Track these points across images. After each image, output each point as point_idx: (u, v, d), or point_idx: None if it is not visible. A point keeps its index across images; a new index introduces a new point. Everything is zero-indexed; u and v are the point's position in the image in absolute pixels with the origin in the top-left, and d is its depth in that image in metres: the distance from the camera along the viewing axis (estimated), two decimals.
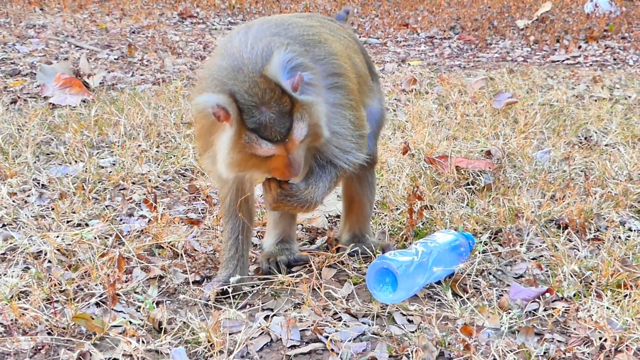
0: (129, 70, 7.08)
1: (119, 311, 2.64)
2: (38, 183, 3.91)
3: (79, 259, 3.03)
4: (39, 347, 2.40)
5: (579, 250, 3.17)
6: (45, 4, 11.04)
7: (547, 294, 2.74)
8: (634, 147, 4.65)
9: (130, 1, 11.66)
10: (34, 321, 2.52)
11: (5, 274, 2.86)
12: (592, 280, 2.87)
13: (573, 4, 11.67)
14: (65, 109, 5.35)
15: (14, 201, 3.64)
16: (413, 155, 4.28)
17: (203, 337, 2.44)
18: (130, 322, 2.53)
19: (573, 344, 2.47)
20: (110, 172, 4.10)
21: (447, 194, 3.82)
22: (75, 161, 4.24)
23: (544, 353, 2.40)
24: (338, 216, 3.53)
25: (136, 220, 3.46)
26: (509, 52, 8.81)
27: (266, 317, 2.63)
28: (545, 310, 2.68)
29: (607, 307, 2.65)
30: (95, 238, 3.19)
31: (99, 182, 3.94)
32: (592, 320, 2.55)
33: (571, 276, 2.90)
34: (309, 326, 2.56)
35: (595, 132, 5.00)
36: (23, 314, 2.53)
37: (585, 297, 2.77)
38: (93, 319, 2.49)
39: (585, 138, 4.92)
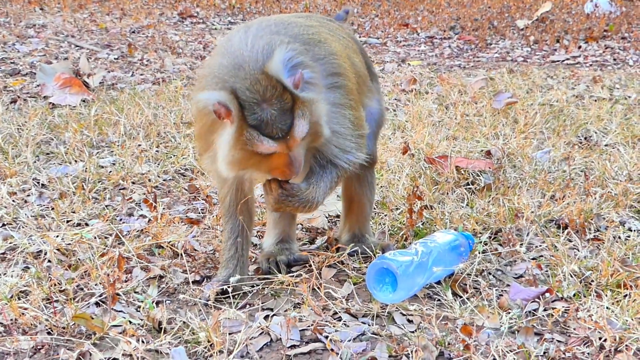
0: (129, 70, 7.08)
1: (119, 311, 2.64)
2: (38, 183, 3.91)
3: (79, 259, 3.03)
4: (38, 347, 2.40)
5: (578, 250, 3.17)
6: (45, 4, 11.04)
7: (547, 294, 2.74)
8: (634, 147, 4.65)
9: (130, 1, 11.66)
10: (34, 321, 2.52)
11: (5, 274, 2.86)
12: (592, 280, 2.87)
13: (573, 4, 11.67)
14: (65, 108, 5.35)
15: (13, 201, 3.64)
16: (413, 155, 4.28)
17: (203, 337, 2.44)
18: (130, 322, 2.52)
19: (573, 344, 2.47)
20: (110, 171, 4.10)
21: (447, 194, 3.82)
22: (75, 161, 4.24)
23: (544, 353, 2.40)
24: (338, 216, 3.53)
25: (136, 220, 3.46)
26: (509, 52, 8.81)
27: (266, 317, 2.63)
28: (545, 310, 2.68)
29: (607, 307, 2.65)
30: (95, 238, 3.19)
31: (99, 182, 3.94)
32: (592, 320, 2.55)
33: (571, 276, 2.90)
34: (308, 326, 2.56)
35: (595, 132, 5.00)
36: (23, 314, 2.53)
37: (585, 297, 2.77)
38: (93, 318, 2.49)
39: (585, 138, 4.92)
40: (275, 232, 3.14)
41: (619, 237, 3.30)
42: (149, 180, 4.01)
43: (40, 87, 5.86)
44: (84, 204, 3.59)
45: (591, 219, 3.47)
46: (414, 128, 4.96)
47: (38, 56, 7.37)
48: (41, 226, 3.33)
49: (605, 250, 3.13)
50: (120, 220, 3.48)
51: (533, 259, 3.15)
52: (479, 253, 3.05)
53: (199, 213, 3.64)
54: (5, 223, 3.41)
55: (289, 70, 2.42)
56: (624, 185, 3.82)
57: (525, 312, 2.68)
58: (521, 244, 3.21)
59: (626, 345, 2.42)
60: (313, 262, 2.93)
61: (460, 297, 2.79)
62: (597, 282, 2.86)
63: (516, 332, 2.55)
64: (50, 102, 5.50)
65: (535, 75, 7.01)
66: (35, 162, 4.19)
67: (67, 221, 3.40)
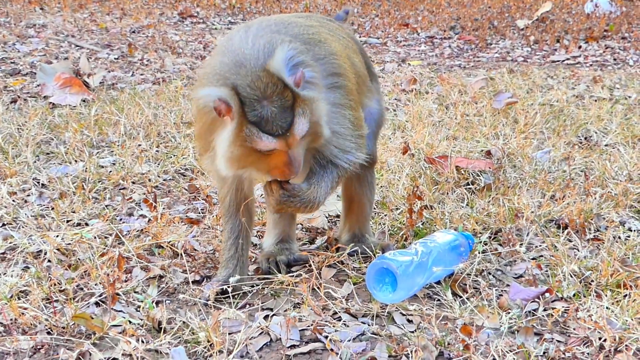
0: (129, 69, 7.08)
1: (119, 311, 2.64)
2: (38, 182, 3.91)
3: (79, 259, 3.03)
4: (38, 347, 2.40)
5: (578, 250, 3.17)
6: (46, 4, 11.04)
7: (547, 294, 2.74)
8: (634, 147, 4.65)
9: (131, 1, 11.66)
10: (34, 320, 2.52)
11: (5, 274, 2.86)
12: (592, 280, 2.87)
13: (573, 4, 11.67)
14: (65, 108, 5.35)
15: (13, 200, 3.64)
16: (413, 155, 4.28)
17: (203, 337, 2.44)
18: (130, 322, 2.52)
19: (572, 344, 2.47)
20: (110, 171, 4.10)
21: (447, 193, 3.82)
22: (75, 161, 4.24)
23: (544, 353, 2.40)
24: (338, 216, 3.53)
25: (136, 220, 3.46)
26: (509, 52, 8.81)
27: (266, 317, 2.63)
28: (544, 310, 2.68)
29: (607, 307, 2.65)
30: (95, 237, 3.19)
31: (99, 182, 3.94)
32: (591, 320, 2.55)
33: (571, 276, 2.90)
34: (308, 326, 2.56)
35: (595, 132, 5.00)
36: (23, 314, 2.53)
37: (584, 297, 2.77)
38: (93, 318, 2.49)
39: (585, 138, 4.92)
40: (275, 232, 3.14)
41: (619, 237, 3.30)
42: (149, 180, 4.01)
43: (40, 87, 5.86)
44: (84, 203, 3.60)
45: (591, 219, 3.47)
46: (414, 128, 4.96)
47: (38, 56, 7.37)
48: (41, 226, 3.33)
49: (605, 250, 3.13)
50: (120, 220, 3.48)
51: (533, 259, 3.15)
52: (479, 253, 3.05)
53: (199, 213, 3.64)
54: (5, 223, 3.41)
55: (290, 69, 2.42)
56: (624, 185, 3.82)
57: (525, 312, 2.68)
58: (521, 244, 3.21)
59: (626, 345, 2.42)
60: (313, 262, 2.93)
61: (460, 297, 2.79)
62: (597, 282, 2.86)
63: (516, 332, 2.55)
64: (51, 102, 5.51)
65: (536, 75, 7.01)
66: (35, 162, 4.19)
67: (67, 221, 3.40)
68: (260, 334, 2.52)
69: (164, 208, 3.59)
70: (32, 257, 3.03)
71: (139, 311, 2.66)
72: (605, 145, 4.75)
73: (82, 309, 2.62)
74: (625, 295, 2.73)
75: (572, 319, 2.61)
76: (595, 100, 5.99)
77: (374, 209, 3.50)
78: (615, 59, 8.33)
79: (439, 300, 2.78)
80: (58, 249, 3.08)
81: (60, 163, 4.21)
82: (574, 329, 2.57)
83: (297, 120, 2.42)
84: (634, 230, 3.39)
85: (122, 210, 3.57)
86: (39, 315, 2.53)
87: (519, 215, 3.45)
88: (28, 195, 3.73)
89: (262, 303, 2.74)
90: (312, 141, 2.56)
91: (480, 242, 3.23)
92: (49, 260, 2.99)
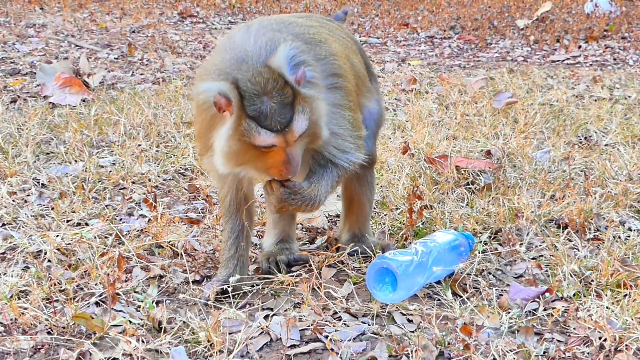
0: (128, 69, 7.08)
1: (119, 310, 2.64)
2: (38, 182, 3.91)
3: (79, 259, 3.03)
4: (38, 347, 2.40)
5: (578, 250, 3.17)
6: (45, 3, 11.04)
7: (547, 294, 2.74)
8: (633, 147, 4.65)
9: (130, 0, 11.66)
10: (34, 320, 2.52)
11: (5, 274, 2.86)
12: (592, 280, 2.87)
13: (573, 3, 11.67)
14: (65, 108, 5.35)
15: (13, 200, 3.64)
16: (413, 155, 4.28)
17: (203, 337, 2.44)
18: (130, 322, 2.52)
19: (573, 343, 2.47)
20: (110, 171, 4.10)
21: (447, 193, 3.82)
22: (75, 160, 4.24)
23: (544, 353, 2.40)
24: (338, 216, 3.53)
25: (136, 220, 3.46)
26: (509, 52, 8.81)
27: (266, 317, 2.63)
28: (545, 310, 2.68)
29: (607, 307, 2.65)
30: (95, 237, 3.19)
31: (99, 182, 3.94)
32: (591, 319, 2.55)
33: (571, 276, 2.90)
34: (308, 326, 2.56)
35: (595, 132, 5.00)
36: (23, 314, 2.53)
37: (585, 296, 2.77)
38: (93, 318, 2.49)
39: (585, 138, 4.92)
40: (275, 231, 3.14)
41: (619, 237, 3.30)
42: (149, 180, 4.01)
43: (40, 87, 5.86)
44: (84, 203, 3.59)
45: (591, 219, 3.47)
46: (414, 128, 4.96)
47: (38, 56, 7.37)
48: (41, 226, 3.33)
49: (605, 250, 3.13)
50: (120, 220, 3.48)
51: (533, 258, 3.15)
52: (479, 253, 3.05)
53: (199, 213, 3.64)
54: (5, 223, 3.41)
55: (291, 68, 2.42)
56: (623, 185, 3.82)
57: (525, 311, 2.68)
58: (521, 244, 3.21)
59: (626, 345, 2.42)
60: (313, 261, 2.93)
61: (460, 296, 2.79)
62: (597, 281, 2.86)
63: (516, 331, 2.55)
64: (50, 102, 5.51)
65: (535, 75, 7.01)
66: (35, 161, 4.19)
67: (67, 221, 3.40)
68: (260, 333, 2.52)
69: (164, 208, 3.59)
70: (32, 257, 3.03)
71: (139, 311, 2.66)
72: (605, 145, 4.75)
73: (82, 309, 2.62)
74: (625, 295, 2.73)
75: (572, 318, 2.61)
76: (595, 100, 6.00)
77: (374, 208, 3.50)
78: (615, 59, 8.33)
79: (439, 300, 2.79)
80: (58, 249, 3.08)
81: (60, 163, 4.21)
82: (574, 328, 2.57)
83: (296, 117, 2.42)
84: (634, 230, 3.39)
85: (122, 210, 3.57)
86: (39, 315, 2.53)
87: (519, 215, 3.45)
88: (28, 195, 3.73)
89: (262, 303, 2.74)
90: (310, 142, 2.56)
91: (480, 241, 3.23)
92: (49, 260, 2.99)
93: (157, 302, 2.72)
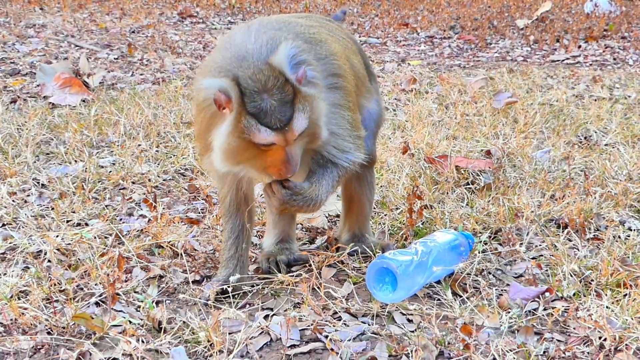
0: (128, 69, 7.08)
1: (119, 311, 2.64)
2: (38, 183, 3.91)
3: (79, 259, 3.03)
4: (38, 347, 2.40)
5: (578, 250, 3.17)
6: (45, 4, 11.04)
7: (547, 294, 2.74)
8: (633, 146, 4.65)
9: (130, 1, 11.66)
10: (34, 321, 2.52)
11: (5, 274, 2.86)
12: (592, 280, 2.87)
13: (573, 3, 11.67)
14: (65, 108, 5.35)
15: (13, 201, 3.64)
16: (413, 155, 4.28)
17: (203, 337, 2.44)
18: (130, 322, 2.52)
19: (573, 343, 2.47)
20: (110, 171, 4.10)
21: (447, 193, 3.82)
22: (75, 161, 4.24)
23: (544, 352, 2.40)
24: (338, 216, 3.53)
25: (136, 220, 3.46)
26: (509, 52, 8.81)
27: (266, 317, 2.63)
28: (544, 309, 2.68)
29: (607, 307, 2.65)
30: (95, 237, 3.19)
31: (99, 182, 3.94)
32: (591, 319, 2.55)
33: (571, 275, 2.90)
34: (308, 326, 2.56)
35: (595, 132, 5.00)
36: (23, 314, 2.53)
37: (584, 296, 2.77)
38: (93, 318, 2.49)
39: (585, 138, 4.92)
40: (275, 231, 3.14)
41: (619, 237, 3.30)
42: (149, 180, 4.01)
43: (40, 87, 5.86)
44: (84, 204, 3.60)
45: (591, 219, 3.47)
46: (413, 128, 4.96)
47: (38, 56, 7.37)
48: (41, 226, 3.33)
49: (605, 250, 3.13)
50: (120, 220, 3.48)
51: (533, 258, 3.15)
52: (479, 252, 3.05)
53: (199, 213, 3.64)
54: (5, 223, 3.41)
55: (292, 67, 2.42)
56: (623, 184, 3.82)
57: (525, 311, 2.68)
58: (521, 244, 3.21)
59: (626, 345, 2.42)
60: (313, 261, 2.93)
61: (460, 296, 2.79)
62: (597, 281, 2.86)
63: (516, 331, 2.55)
64: (50, 102, 5.51)
65: (535, 75, 7.01)
66: (35, 162, 4.19)
67: (67, 221, 3.40)
68: (260, 333, 2.52)
69: (163, 208, 3.59)
70: (32, 257, 3.03)
71: (139, 311, 2.66)
72: (605, 144, 4.75)
73: (82, 309, 2.62)
74: (625, 295, 2.73)
75: (572, 318, 2.61)
76: (595, 100, 6.00)
77: (374, 208, 3.51)
78: (614, 59, 8.33)
79: (439, 299, 2.79)
80: (58, 249, 3.08)
81: (60, 163, 4.21)
82: (574, 328, 2.57)
83: (296, 115, 2.41)
84: (634, 230, 3.39)
85: (122, 210, 3.57)
86: (39, 315, 2.53)
87: (519, 215, 3.45)
88: (28, 196, 3.73)
89: (262, 303, 2.74)
90: (310, 142, 2.55)
91: (480, 241, 3.23)
92: (49, 260, 2.99)
93: (157, 302, 2.72)
